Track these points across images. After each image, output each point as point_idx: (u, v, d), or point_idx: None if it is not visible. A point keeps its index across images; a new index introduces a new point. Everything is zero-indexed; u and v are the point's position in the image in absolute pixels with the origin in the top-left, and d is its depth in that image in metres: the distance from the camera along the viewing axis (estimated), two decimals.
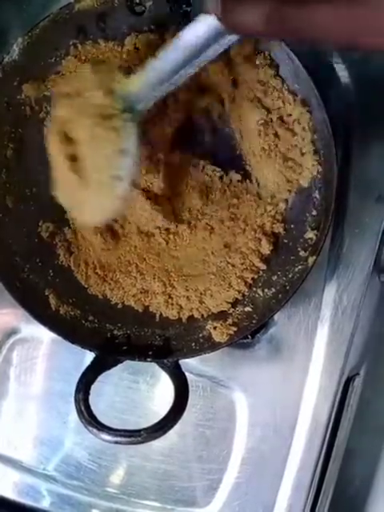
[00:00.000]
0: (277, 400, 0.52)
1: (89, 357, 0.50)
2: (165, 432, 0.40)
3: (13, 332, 0.55)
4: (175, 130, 0.47)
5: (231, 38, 0.31)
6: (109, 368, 0.44)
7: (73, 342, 0.45)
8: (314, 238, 0.44)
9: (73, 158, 0.36)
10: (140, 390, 0.54)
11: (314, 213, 0.45)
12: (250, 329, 0.45)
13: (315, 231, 0.44)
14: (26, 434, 0.57)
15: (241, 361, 0.52)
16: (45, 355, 0.56)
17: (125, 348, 0.46)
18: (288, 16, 0.26)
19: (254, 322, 0.45)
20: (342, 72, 0.49)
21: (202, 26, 0.31)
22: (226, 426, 0.53)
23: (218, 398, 0.53)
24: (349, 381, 0.53)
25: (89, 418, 0.40)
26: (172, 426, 0.40)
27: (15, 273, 0.46)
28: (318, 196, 0.44)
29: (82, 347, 0.45)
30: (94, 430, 0.40)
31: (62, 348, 0.54)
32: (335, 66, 0.49)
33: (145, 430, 0.40)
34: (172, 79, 0.35)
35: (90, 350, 0.45)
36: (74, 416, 0.54)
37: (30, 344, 0.55)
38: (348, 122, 0.49)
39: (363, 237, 0.51)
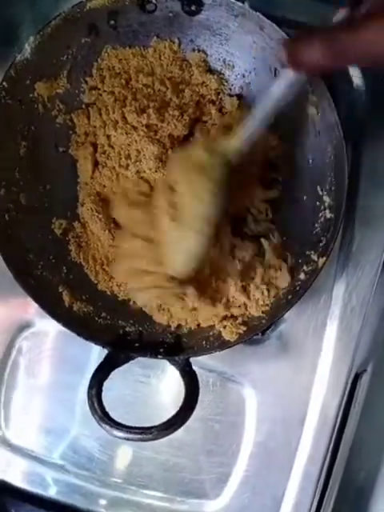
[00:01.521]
0: (286, 395, 0.53)
1: (96, 349, 0.51)
2: (175, 429, 0.41)
3: (26, 326, 0.55)
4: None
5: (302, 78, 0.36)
6: (121, 364, 0.45)
7: (86, 339, 0.45)
8: (324, 240, 0.44)
9: (173, 206, 0.41)
10: (150, 384, 0.55)
11: (327, 215, 0.44)
12: (259, 329, 0.45)
13: (326, 233, 0.44)
14: (35, 423, 0.57)
15: (251, 357, 0.53)
16: (53, 348, 0.56)
17: (137, 345, 0.46)
18: (343, 45, 0.30)
19: (263, 321, 0.45)
20: (354, 72, 0.49)
21: (283, 80, 0.36)
22: (235, 421, 0.54)
23: (227, 393, 0.54)
24: (357, 377, 0.54)
25: (102, 415, 0.41)
26: (183, 423, 0.41)
27: (29, 270, 0.47)
28: (328, 199, 0.44)
29: (95, 344, 0.46)
30: (107, 427, 0.41)
31: (71, 341, 0.54)
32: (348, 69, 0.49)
33: (156, 427, 0.40)
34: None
35: (103, 347, 0.45)
36: (82, 407, 0.55)
37: (39, 337, 0.56)
38: (359, 123, 0.50)
39: (373, 236, 0.51)
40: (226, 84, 0.48)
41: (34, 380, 0.57)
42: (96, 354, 0.54)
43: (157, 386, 0.55)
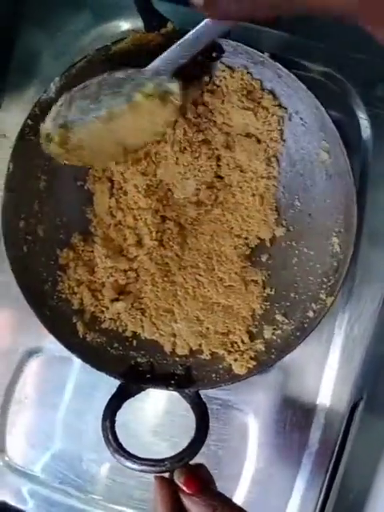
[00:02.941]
0: (287, 423, 0.55)
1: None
2: (188, 461, 0.42)
3: (35, 352, 0.56)
4: None
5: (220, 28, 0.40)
6: (133, 395, 0.46)
7: (99, 369, 0.46)
8: (333, 279, 0.46)
9: None
10: (154, 409, 0.56)
11: (334, 258, 0.46)
12: (268, 364, 0.47)
13: (334, 273, 0.46)
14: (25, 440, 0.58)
15: (254, 385, 0.54)
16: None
17: (148, 376, 0.48)
18: None
19: (272, 356, 0.47)
20: (363, 121, 0.52)
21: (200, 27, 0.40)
22: (237, 447, 0.55)
23: (231, 420, 0.55)
24: (355, 405, 0.56)
25: (116, 447, 0.42)
26: (195, 455, 0.42)
27: (45, 300, 0.48)
28: (337, 240, 0.46)
29: (108, 374, 0.46)
30: (121, 459, 0.42)
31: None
32: (359, 118, 0.52)
33: (169, 459, 0.42)
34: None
35: (115, 378, 0.46)
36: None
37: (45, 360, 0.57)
38: (363, 168, 0.52)
39: (374, 271, 0.53)
40: None
41: (30, 401, 0.57)
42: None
43: (159, 410, 0.56)
